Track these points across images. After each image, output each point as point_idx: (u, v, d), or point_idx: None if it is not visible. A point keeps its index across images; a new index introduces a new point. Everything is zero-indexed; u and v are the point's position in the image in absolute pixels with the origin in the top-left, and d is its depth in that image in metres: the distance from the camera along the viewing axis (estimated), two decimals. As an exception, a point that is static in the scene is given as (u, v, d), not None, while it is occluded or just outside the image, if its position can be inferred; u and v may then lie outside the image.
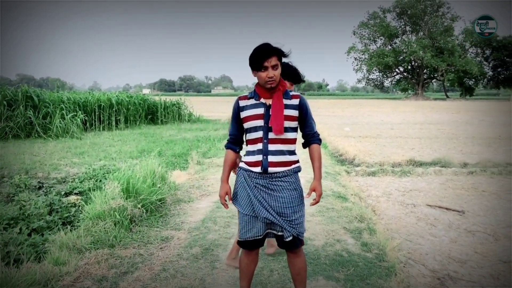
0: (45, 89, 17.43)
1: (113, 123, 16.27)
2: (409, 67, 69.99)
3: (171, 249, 3.66)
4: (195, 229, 4.19)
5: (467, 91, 69.84)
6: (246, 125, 2.38)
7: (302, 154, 2.77)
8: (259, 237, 2.39)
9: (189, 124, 18.84)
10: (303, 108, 2.39)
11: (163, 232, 4.09)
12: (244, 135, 2.48)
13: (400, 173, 7.24)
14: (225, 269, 3.25)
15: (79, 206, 4.74)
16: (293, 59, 2.92)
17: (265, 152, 2.33)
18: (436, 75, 66.85)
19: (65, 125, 13.11)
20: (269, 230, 2.39)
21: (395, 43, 69.63)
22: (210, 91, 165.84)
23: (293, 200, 2.35)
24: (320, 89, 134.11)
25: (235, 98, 2.52)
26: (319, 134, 2.51)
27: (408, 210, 5.07)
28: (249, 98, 2.41)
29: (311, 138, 2.47)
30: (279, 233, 2.36)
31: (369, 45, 70.29)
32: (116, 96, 17.32)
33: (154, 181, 5.10)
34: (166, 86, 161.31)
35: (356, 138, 12.69)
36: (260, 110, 2.34)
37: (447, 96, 72.20)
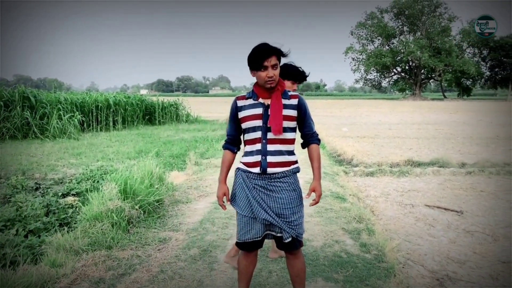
0: (43, 90, 17.38)
1: (111, 124, 16.23)
2: (407, 67, 70.12)
3: (169, 250, 3.64)
4: (193, 230, 4.17)
5: (465, 91, 70.03)
6: (244, 125, 2.37)
7: (300, 155, 2.75)
8: (258, 239, 2.37)
9: (187, 124, 18.82)
10: (301, 108, 2.38)
11: (161, 234, 4.06)
12: (242, 135, 2.46)
13: (398, 173, 7.23)
14: (223, 271, 3.23)
15: (76, 207, 4.70)
16: (290, 59, 2.91)
17: (263, 152, 2.31)
18: (433, 75, 67.02)
19: (62, 125, 13.07)
20: (268, 232, 2.37)
21: (393, 43, 69.80)
22: (208, 92, 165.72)
23: (292, 201, 2.34)
24: (318, 89, 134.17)
25: (233, 98, 2.51)
26: (318, 134, 2.49)
27: (406, 211, 5.06)
28: (247, 98, 2.39)
29: (310, 138, 2.46)
30: (278, 234, 2.35)
31: (367, 46, 70.46)
32: (114, 96, 17.29)
33: (151, 182, 5.08)
34: (164, 87, 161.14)
35: (354, 138, 12.69)
36: (259, 110, 2.32)
37: (445, 96, 72.39)
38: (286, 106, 2.32)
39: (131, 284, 2.99)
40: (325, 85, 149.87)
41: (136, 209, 4.33)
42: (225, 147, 2.51)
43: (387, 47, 69.08)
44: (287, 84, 3.09)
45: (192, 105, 22.73)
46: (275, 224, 2.31)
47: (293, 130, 2.39)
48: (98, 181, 5.92)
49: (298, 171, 2.42)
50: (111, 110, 16.42)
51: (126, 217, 4.11)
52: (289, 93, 2.40)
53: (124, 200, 4.31)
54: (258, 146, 2.32)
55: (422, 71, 67.10)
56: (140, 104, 18.57)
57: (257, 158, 2.32)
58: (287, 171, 2.34)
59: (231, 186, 2.45)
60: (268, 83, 2.27)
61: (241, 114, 2.37)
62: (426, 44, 62.39)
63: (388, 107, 36.53)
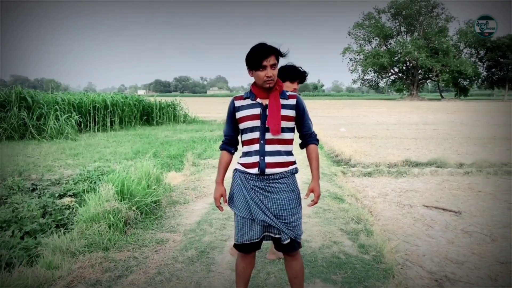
0: (40, 90, 17.30)
1: (108, 124, 16.17)
2: (404, 68, 70.38)
3: (166, 252, 3.61)
4: (190, 232, 4.14)
5: (462, 92, 70.31)
6: (242, 125, 2.35)
7: (298, 155, 2.73)
8: (256, 240, 2.35)
9: (185, 125, 18.78)
10: (300, 108, 2.36)
11: (158, 235, 4.04)
12: (240, 136, 2.44)
13: (396, 173, 7.23)
14: (221, 272, 3.21)
15: (73, 209, 4.67)
16: (288, 60, 2.90)
17: (262, 153, 2.29)
18: (430, 75, 67.26)
19: (60, 126, 13.00)
20: (266, 233, 2.35)
21: (390, 43, 70.02)
22: (205, 92, 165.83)
23: (291, 202, 2.32)
24: (315, 89, 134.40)
25: (231, 98, 2.49)
26: (316, 135, 2.48)
27: (404, 211, 5.05)
28: (244, 98, 2.37)
29: (309, 139, 2.44)
30: (277, 236, 2.33)
31: (364, 46, 70.66)
32: (111, 97, 17.23)
33: (149, 183, 5.05)
34: (161, 87, 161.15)
35: (352, 138, 12.70)
36: (257, 110, 2.30)
37: (442, 97, 72.64)
38: (284, 106, 2.31)
39: (128, 286, 2.96)
40: (322, 85, 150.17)
41: (133, 210, 4.30)
42: (222, 148, 2.49)
43: (384, 48, 69.29)
44: (287, 84, 3.09)
45: (190, 105, 22.70)
46: (274, 226, 2.29)
47: (291, 130, 2.37)
48: (95, 182, 5.88)
49: (297, 172, 2.40)
50: (109, 110, 16.36)
51: (123, 218, 4.08)
52: (287, 93, 2.38)
53: (121, 201, 4.28)
54: (256, 147, 2.30)
55: (420, 71, 67.33)
56: (137, 105, 18.51)
57: (255, 158, 2.30)
58: (285, 172, 2.32)
59: (228, 187, 2.43)
60: (267, 82, 2.25)
61: (239, 115, 2.35)
62: (423, 45, 62.61)
63: (386, 108, 36.59)
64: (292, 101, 2.35)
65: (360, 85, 78.04)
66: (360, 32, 69.82)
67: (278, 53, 2.27)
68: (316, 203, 2.43)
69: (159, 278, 3.08)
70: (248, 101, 2.35)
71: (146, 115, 19.29)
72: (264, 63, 2.21)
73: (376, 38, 69.14)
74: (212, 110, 30.86)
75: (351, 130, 15.55)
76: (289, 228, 2.30)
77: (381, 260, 3.37)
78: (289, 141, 2.36)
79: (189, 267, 3.30)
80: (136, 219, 4.31)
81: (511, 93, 65.59)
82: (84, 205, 4.20)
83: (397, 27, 69.84)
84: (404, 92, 72.92)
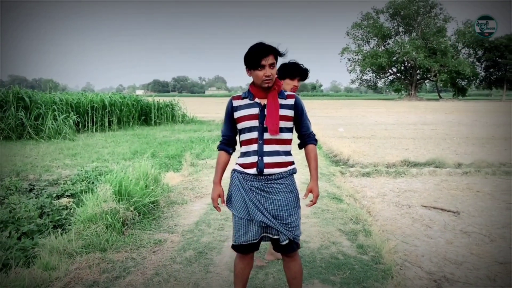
0: (37, 90, 17.25)
1: (106, 124, 16.13)
2: (402, 68, 70.49)
3: (164, 252, 3.60)
4: (188, 232, 4.13)
5: (460, 92, 70.46)
6: (240, 125, 2.33)
7: (297, 155, 2.72)
8: (255, 241, 2.34)
9: (183, 125, 18.74)
10: (298, 108, 2.35)
11: (156, 235, 4.02)
12: (238, 136, 2.42)
13: (395, 173, 7.22)
14: (219, 273, 3.20)
15: (71, 209, 4.65)
16: (287, 60, 2.89)
17: (260, 153, 2.27)
18: (429, 75, 67.37)
19: (57, 126, 12.96)
20: (264, 234, 2.34)
21: (388, 44, 70.13)
22: (204, 92, 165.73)
23: (289, 203, 2.30)
24: (313, 89, 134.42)
25: (229, 98, 2.47)
26: (315, 135, 2.47)
27: (403, 211, 5.05)
28: (243, 98, 2.36)
29: (307, 139, 2.43)
30: (275, 237, 2.31)
31: (363, 46, 70.76)
32: (109, 97, 17.18)
33: (147, 183, 5.03)
34: (160, 87, 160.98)
35: (350, 138, 12.70)
36: (255, 110, 2.29)
37: (440, 97, 72.74)
38: (283, 106, 2.29)
39: (126, 287, 2.95)
40: (321, 85, 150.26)
41: (131, 211, 4.28)
42: (220, 148, 2.48)
43: (382, 48, 69.39)
44: (287, 81, 3.07)
45: (188, 105, 22.67)
46: (272, 226, 2.28)
47: (289, 130, 2.35)
48: (93, 182, 5.86)
49: (295, 172, 2.39)
50: (107, 110, 16.32)
51: (121, 219, 4.06)
52: (286, 93, 2.37)
53: (119, 201, 4.27)
54: (254, 147, 2.29)
55: (418, 71, 67.43)
56: (135, 105, 18.47)
57: (254, 159, 2.28)
58: (284, 172, 2.31)
59: (226, 187, 2.42)
60: (265, 82, 2.24)
61: (237, 114, 2.34)
62: (421, 45, 62.70)
63: (384, 108, 36.62)
64: (291, 101, 2.33)
65: (359, 85, 78.15)
66: (358, 32, 69.92)
67: (276, 53, 2.25)
68: (314, 203, 2.42)
69: (157, 279, 3.06)
70: (246, 101, 2.33)
71: (144, 115, 19.26)
72: (263, 62, 2.20)
73: (375, 38, 69.21)
74: (210, 110, 30.84)
75: (349, 130, 15.55)
76: (287, 228, 2.28)
77: (379, 261, 3.37)
78: (288, 141, 2.35)
79: (187, 268, 3.28)
80: (134, 219, 4.29)
81: (509, 93, 65.81)
82: (81, 206, 4.18)
83: (395, 27, 69.97)
84: (402, 92, 73.02)
